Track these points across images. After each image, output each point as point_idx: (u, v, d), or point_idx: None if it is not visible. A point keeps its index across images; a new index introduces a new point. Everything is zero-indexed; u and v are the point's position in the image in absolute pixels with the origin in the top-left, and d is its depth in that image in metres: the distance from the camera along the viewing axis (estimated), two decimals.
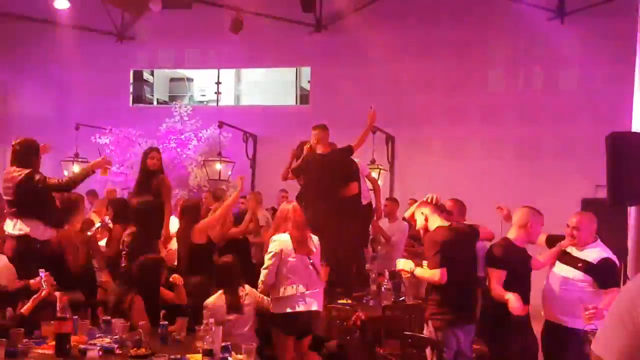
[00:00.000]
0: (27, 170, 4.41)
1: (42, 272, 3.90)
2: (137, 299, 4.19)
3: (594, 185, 8.22)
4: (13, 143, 4.56)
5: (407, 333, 4.05)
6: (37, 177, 4.39)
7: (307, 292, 4.08)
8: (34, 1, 9.78)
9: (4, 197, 4.62)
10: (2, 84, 11.52)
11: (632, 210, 5.74)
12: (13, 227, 4.48)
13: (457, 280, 3.75)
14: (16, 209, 4.48)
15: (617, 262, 3.88)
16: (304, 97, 11.37)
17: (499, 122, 9.52)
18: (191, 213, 5.21)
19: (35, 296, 3.81)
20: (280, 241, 4.18)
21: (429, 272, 3.80)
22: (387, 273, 5.12)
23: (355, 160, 5.84)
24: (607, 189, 5.35)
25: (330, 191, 5.43)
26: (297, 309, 4.05)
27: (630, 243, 5.60)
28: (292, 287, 4.08)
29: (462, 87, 9.73)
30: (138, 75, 11.83)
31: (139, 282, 4.26)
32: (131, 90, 11.67)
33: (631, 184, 5.10)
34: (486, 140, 9.59)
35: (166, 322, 3.82)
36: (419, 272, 3.90)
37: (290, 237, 4.16)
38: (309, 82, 11.12)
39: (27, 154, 4.50)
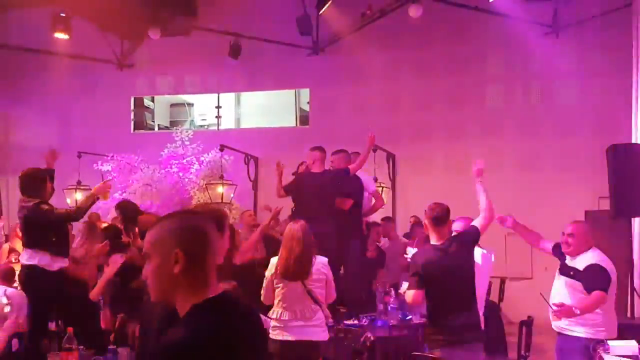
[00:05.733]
0: (35, 201, 4.44)
1: None
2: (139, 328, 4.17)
3: (597, 197, 8.22)
4: (21, 174, 4.60)
5: (416, 353, 4.02)
6: (45, 207, 4.41)
7: (299, 322, 3.97)
8: (34, 32, 9.91)
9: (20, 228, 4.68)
10: (4, 115, 11.60)
11: (636, 221, 5.74)
12: (25, 257, 4.51)
13: (444, 301, 3.69)
14: (25, 239, 4.51)
15: (606, 267, 3.88)
16: (303, 118, 11.44)
17: (498, 136, 9.55)
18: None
19: None
20: (273, 264, 4.15)
21: (406, 294, 3.80)
22: (393, 292, 5.10)
23: (362, 176, 5.87)
24: (610, 200, 5.37)
25: (323, 209, 5.41)
26: (285, 338, 3.98)
27: (635, 254, 5.60)
28: (276, 313, 4.03)
29: (461, 103, 9.79)
30: (139, 102, 11.92)
31: (131, 307, 4.25)
32: (132, 117, 11.75)
33: (634, 195, 5.12)
34: (486, 155, 9.52)
35: None
36: (406, 295, 3.93)
37: (279, 259, 4.06)
38: (308, 103, 11.19)
39: (34, 183, 4.53)
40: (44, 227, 4.44)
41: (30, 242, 4.48)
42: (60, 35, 9.11)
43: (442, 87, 9.81)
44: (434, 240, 3.83)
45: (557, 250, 4.17)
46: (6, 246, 6.01)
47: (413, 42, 9.81)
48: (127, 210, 5.81)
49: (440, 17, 9.53)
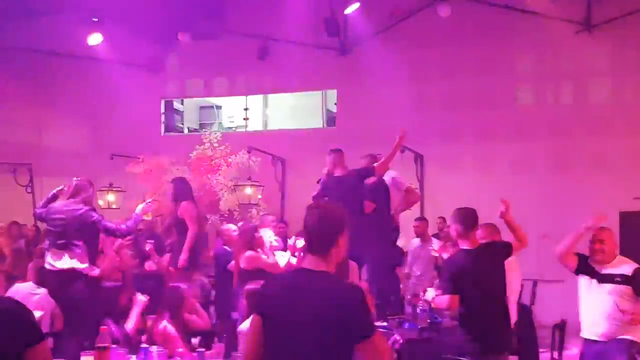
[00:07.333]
0: (87, 207, 4.59)
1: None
2: (169, 327, 4.22)
3: (632, 197, 8.02)
4: (73, 179, 4.79)
5: (446, 356, 3.99)
6: (95, 216, 4.57)
7: None
8: (66, 37, 10.15)
9: (50, 228, 4.75)
10: (38, 119, 11.90)
11: None
12: (58, 259, 4.58)
13: (477, 308, 3.65)
14: (65, 242, 4.59)
15: None
16: (330, 120, 11.45)
17: (529, 137, 9.39)
18: (244, 239, 5.31)
19: None
20: None
21: (438, 300, 3.74)
22: (422, 294, 5.06)
23: (389, 176, 5.81)
24: None
25: (350, 211, 5.36)
26: None
27: None
28: None
29: (490, 103, 9.66)
30: (169, 105, 12.11)
31: (164, 309, 4.32)
32: (162, 119, 11.93)
33: None
34: (517, 155, 9.46)
35: (203, 349, 3.85)
36: (436, 300, 3.86)
37: None
38: (335, 104, 11.19)
39: (84, 191, 4.70)
40: (88, 233, 4.58)
41: (69, 245, 4.58)
42: (94, 41, 9.30)
43: (471, 87, 9.69)
44: (465, 245, 3.77)
45: (584, 263, 4.01)
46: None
47: (441, 42, 9.71)
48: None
49: (469, 16, 9.43)
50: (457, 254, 3.86)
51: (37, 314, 4.68)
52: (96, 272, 4.63)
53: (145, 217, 5.02)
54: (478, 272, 3.65)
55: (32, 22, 10.78)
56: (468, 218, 3.79)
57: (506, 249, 3.89)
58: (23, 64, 11.05)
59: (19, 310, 1.98)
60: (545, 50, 9.47)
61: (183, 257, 5.57)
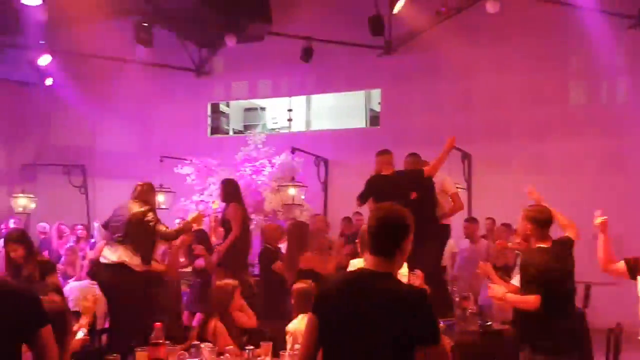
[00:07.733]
0: (145, 207, 4.81)
1: None
2: (219, 325, 4.30)
3: None
4: (138, 184, 5.13)
5: None
6: (150, 216, 4.79)
7: None
8: (117, 42, 10.46)
9: (112, 224, 5.00)
10: (91, 121, 12.32)
11: None
12: (112, 253, 4.81)
13: (558, 306, 3.60)
14: (121, 236, 4.82)
15: None
16: (373, 119, 11.40)
17: (581, 135, 9.10)
18: (297, 237, 5.38)
19: None
20: (354, 265, 4.13)
21: (522, 299, 3.67)
22: (472, 296, 4.96)
23: (441, 177, 5.79)
24: None
25: None
26: None
27: None
28: None
29: (541, 101, 9.41)
30: (215, 107, 12.33)
31: (213, 306, 4.40)
32: (209, 121, 12.16)
33: None
34: (568, 155, 9.17)
35: (252, 347, 3.89)
36: (511, 297, 3.79)
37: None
38: (379, 103, 11.14)
39: (147, 194, 5.02)
40: (143, 232, 4.77)
41: (125, 240, 4.79)
42: (142, 44, 9.54)
43: (520, 84, 9.47)
44: (540, 243, 3.74)
45: (636, 265, 3.94)
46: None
47: (490, 38, 9.52)
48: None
49: (517, 11, 9.21)
50: (535, 253, 3.78)
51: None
52: (141, 269, 4.79)
53: (196, 225, 5.20)
54: (558, 269, 3.63)
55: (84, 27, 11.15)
56: (543, 216, 3.76)
57: (571, 243, 3.88)
58: (77, 69, 11.45)
59: (26, 295, 2.01)
60: (597, 46, 9.15)
61: (220, 250, 5.74)
